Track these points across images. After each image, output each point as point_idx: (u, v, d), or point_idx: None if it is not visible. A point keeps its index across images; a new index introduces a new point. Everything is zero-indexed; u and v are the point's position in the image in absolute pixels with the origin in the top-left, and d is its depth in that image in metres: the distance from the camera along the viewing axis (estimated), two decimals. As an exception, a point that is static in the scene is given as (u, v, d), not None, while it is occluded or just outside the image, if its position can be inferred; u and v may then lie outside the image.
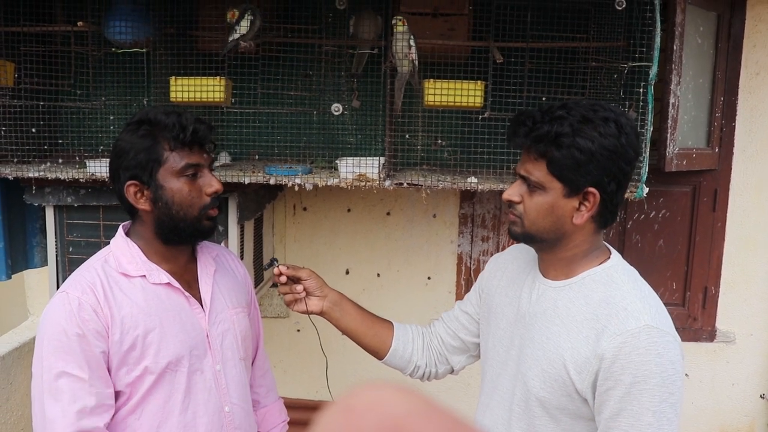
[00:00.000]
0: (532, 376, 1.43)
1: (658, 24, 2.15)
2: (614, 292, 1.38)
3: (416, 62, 2.29)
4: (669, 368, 1.28)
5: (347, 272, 3.24)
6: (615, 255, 1.47)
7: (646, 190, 2.29)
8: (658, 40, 2.17)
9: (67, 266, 2.54)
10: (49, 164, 2.50)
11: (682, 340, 3.17)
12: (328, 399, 2.64)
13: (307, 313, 1.78)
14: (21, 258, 2.81)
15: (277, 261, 1.79)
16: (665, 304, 3.11)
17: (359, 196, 3.17)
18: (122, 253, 1.61)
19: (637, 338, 1.29)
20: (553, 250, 1.45)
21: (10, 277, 2.74)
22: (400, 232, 3.21)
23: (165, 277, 1.61)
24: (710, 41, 2.77)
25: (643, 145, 2.24)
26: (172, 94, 2.31)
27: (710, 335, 3.24)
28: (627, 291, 1.37)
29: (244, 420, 1.75)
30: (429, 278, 3.24)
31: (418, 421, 0.38)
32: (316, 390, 3.32)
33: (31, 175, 2.37)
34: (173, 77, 2.32)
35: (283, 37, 2.48)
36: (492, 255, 3.20)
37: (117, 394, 1.58)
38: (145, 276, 1.60)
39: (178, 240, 1.63)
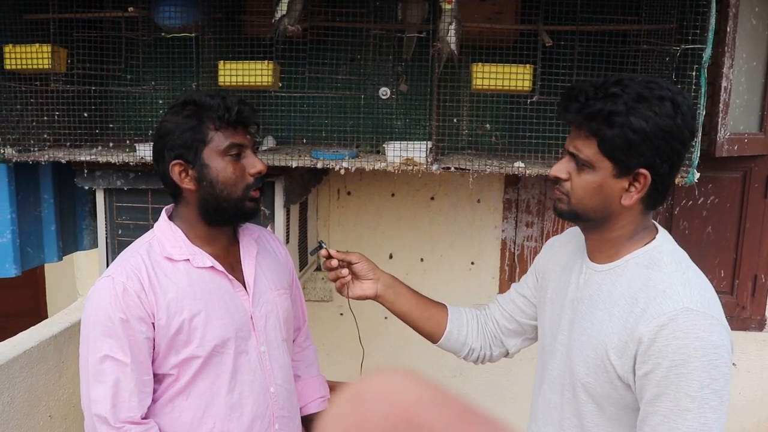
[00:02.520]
0: (578, 362, 1.41)
1: (713, 4, 2.10)
2: (655, 274, 1.34)
3: (454, 47, 2.25)
4: (711, 352, 1.23)
5: (391, 257, 3.25)
6: (661, 235, 1.42)
7: (697, 175, 2.25)
8: (712, 21, 2.12)
9: (116, 248, 2.58)
10: (99, 148, 2.55)
11: (731, 329, 3.13)
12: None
13: (360, 298, 1.75)
14: (71, 240, 2.87)
15: (324, 243, 1.77)
16: (712, 292, 3.08)
17: (403, 181, 3.17)
18: (166, 237, 1.63)
19: (676, 321, 1.25)
20: (598, 230, 1.42)
21: (62, 259, 2.80)
22: (443, 217, 3.20)
23: (209, 260, 1.63)
24: (765, 22, 2.70)
25: (695, 129, 2.20)
26: (221, 79, 2.33)
27: (759, 324, 3.18)
28: (668, 273, 1.33)
29: (287, 401, 1.78)
30: (472, 263, 3.23)
31: (428, 409, 0.38)
32: (359, 373, 3.34)
33: (82, 158, 2.41)
34: (221, 61, 2.33)
35: (330, 21, 2.48)
36: (536, 241, 3.18)
37: (164, 376, 1.61)
38: (189, 260, 1.61)
39: (221, 221, 1.64)
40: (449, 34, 2.22)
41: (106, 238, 2.59)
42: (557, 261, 1.63)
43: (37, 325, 2.73)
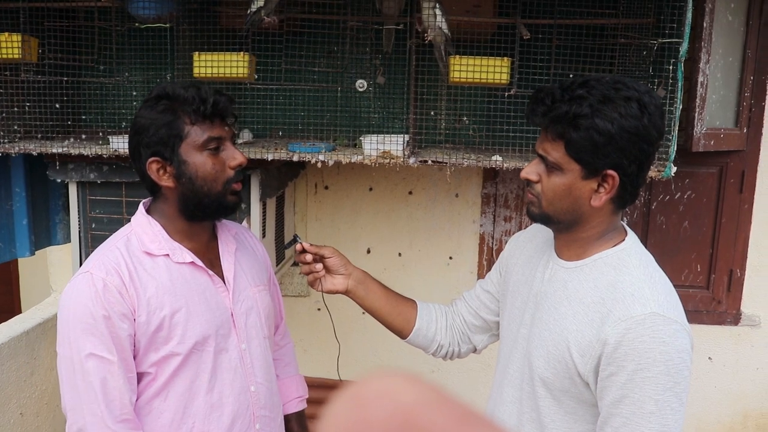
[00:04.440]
0: (537, 356, 1.42)
1: (690, -1, 2.11)
2: (623, 276, 1.35)
3: (446, 30, 2.24)
4: (675, 357, 1.25)
5: (368, 251, 3.23)
6: (630, 237, 1.44)
7: (674, 169, 2.25)
8: (689, 15, 2.13)
9: (89, 243, 2.54)
10: (72, 140, 2.51)
11: (706, 323, 3.18)
12: (347, 379, 2.64)
13: (331, 292, 1.76)
14: (44, 235, 2.82)
15: (299, 237, 1.76)
16: (689, 287, 3.13)
17: (381, 175, 3.16)
18: (144, 232, 1.58)
19: (642, 325, 1.26)
20: (569, 231, 1.42)
21: (34, 254, 2.76)
22: (422, 212, 3.19)
23: (189, 256, 1.59)
24: (741, 18, 2.72)
25: (672, 124, 2.21)
26: (196, 70, 2.30)
27: (735, 318, 3.20)
28: (636, 276, 1.34)
29: (268, 400, 1.74)
30: (451, 258, 3.22)
31: (428, 410, 0.38)
32: (336, 369, 3.32)
33: (54, 150, 2.37)
34: (196, 53, 2.30)
35: (307, 13, 2.46)
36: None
37: (142, 375, 1.56)
38: (168, 255, 1.57)
39: (202, 216, 1.60)
40: (437, 20, 2.20)
41: (80, 232, 2.55)
42: (520, 255, 1.63)
43: (8, 321, 2.67)
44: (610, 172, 1.32)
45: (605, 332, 1.29)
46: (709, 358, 3.27)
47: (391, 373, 0.41)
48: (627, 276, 1.34)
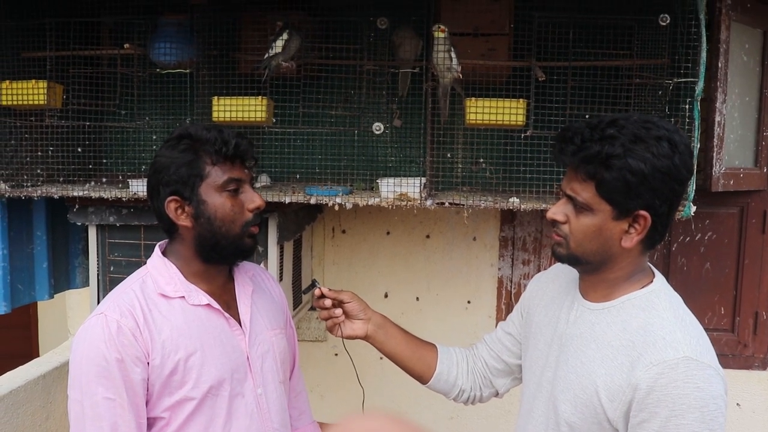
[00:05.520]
0: (563, 400, 1.38)
1: (704, 38, 2.12)
2: (653, 319, 1.32)
3: (458, 70, 2.26)
4: (710, 403, 1.21)
5: (386, 295, 3.22)
6: (658, 279, 1.41)
7: (694, 208, 2.24)
8: (704, 54, 2.14)
9: (107, 286, 2.55)
10: (93, 183, 2.54)
11: (732, 367, 3.10)
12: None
13: (350, 337, 1.73)
14: (63, 278, 2.84)
15: (317, 282, 1.75)
16: (713, 330, 3.07)
17: (398, 219, 3.16)
18: (160, 274, 1.57)
19: (675, 370, 1.23)
20: (597, 272, 1.40)
21: (53, 297, 2.77)
22: (439, 255, 3.18)
23: (204, 298, 1.57)
24: (756, 58, 2.72)
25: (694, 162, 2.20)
26: (215, 114, 2.34)
27: (762, 363, 3.13)
28: (667, 319, 1.31)
29: None
30: (469, 302, 3.19)
31: None
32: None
33: (75, 194, 2.41)
34: (216, 97, 2.34)
35: (324, 58, 2.50)
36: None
37: (155, 420, 1.54)
38: (184, 297, 1.56)
39: (218, 258, 1.59)
40: (452, 60, 2.22)
41: (98, 275, 2.56)
42: (543, 296, 1.60)
43: (25, 365, 2.67)
44: (642, 212, 1.30)
45: (636, 377, 1.25)
46: (738, 404, 3.18)
47: (375, 413, 0.41)
48: (657, 319, 1.31)
